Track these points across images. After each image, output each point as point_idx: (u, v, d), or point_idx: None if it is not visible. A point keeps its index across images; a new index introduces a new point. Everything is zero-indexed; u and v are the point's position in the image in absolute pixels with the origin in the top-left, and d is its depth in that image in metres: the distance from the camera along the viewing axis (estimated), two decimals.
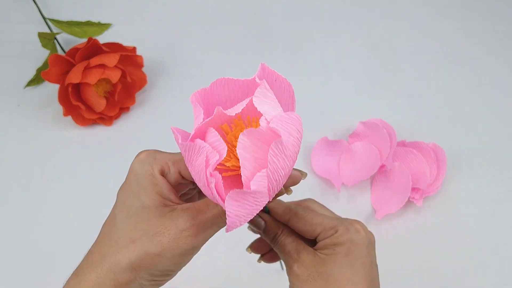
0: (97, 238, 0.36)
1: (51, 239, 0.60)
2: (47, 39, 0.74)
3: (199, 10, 0.84)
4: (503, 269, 0.58)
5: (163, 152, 0.36)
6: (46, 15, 0.80)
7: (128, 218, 0.34)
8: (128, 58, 0.69)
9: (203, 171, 0.28)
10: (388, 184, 0.62)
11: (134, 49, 0.69)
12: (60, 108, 0.68)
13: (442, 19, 0.83)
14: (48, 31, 0.78)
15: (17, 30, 0.80)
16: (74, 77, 0.64)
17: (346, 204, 0.63)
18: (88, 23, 0.80)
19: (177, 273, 0.35)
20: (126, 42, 0.69)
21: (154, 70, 0.76)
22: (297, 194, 0.64)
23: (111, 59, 0.65)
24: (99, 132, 0.70)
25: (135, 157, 0.36)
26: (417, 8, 0.85)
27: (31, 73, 0.74)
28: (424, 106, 0.72)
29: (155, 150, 0.36)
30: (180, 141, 0.29)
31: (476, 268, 0.58)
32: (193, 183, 0.36)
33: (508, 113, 0.72)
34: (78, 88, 0.67)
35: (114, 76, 0.65)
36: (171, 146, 0.70)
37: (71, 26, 0.79)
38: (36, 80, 0.73)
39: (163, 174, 0.34)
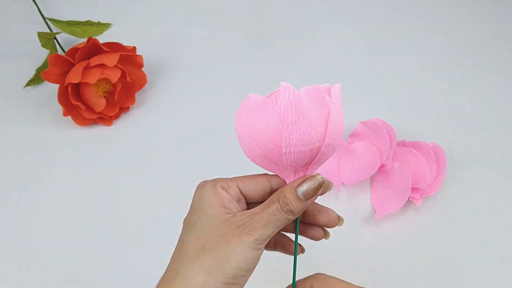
0: (168, 265, 0.37)
1: (51, 239, 0.60)
2: (47, 39, 0.74)
3: (199, 10, 0.84)
4: (503, 269, 0.58)
5: (218, 177, 0.39)
6: (46, 15, 0.80)
7: (193, 231, 0.36)
8: (128, 58, 0.69)
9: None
10: (388, 184, 0.62)
11: (134, 49, 0.69)
12: (59, 108, 0.68)
13: (442, 19, 0.83)
14: (48, 31, 0.78)
15: (16, 30, 0.80)
16: (74, 77, 0.64)
17: (346, 204, 0.63)
18: (88, 23, 0.80)
19: (248, 276, 0.36)
20: (126, 42, 0.69)
21: (154, 70, 0.76)
22: None
23: (111, 59, 0.65)
24: (99, 132, 0.70)
25: (196, 189, 0.39)
26: (417, 8, 0.85)
27: (30, 73, 0.74)
28: (424, 106, 0.72)
29: (209, 179, 0.39)
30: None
31: (476, 268, 0.58)
32: (249, 204, 0.39)
33: (508, 113, 0.72)
34: (78, 88, 0.67)
35: (114, 76, 0.65)
36: (171, 145, 0.70)
37: (71, 26, 0.79)
38: (35, 80, 0.73)
39: (223, 189, 0.37)
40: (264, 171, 0.39)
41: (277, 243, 0.42)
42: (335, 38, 0.81)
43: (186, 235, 0.36)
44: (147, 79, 0.72)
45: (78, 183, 0.65)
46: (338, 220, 0.41)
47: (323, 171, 0.65)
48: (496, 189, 0.64)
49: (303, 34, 0.81)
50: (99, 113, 0.68)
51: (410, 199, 0.61)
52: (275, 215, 0.35)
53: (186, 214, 0.38)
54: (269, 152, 0.36)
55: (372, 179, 0.64)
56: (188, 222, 0.37)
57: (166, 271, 0.37)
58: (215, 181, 0.37)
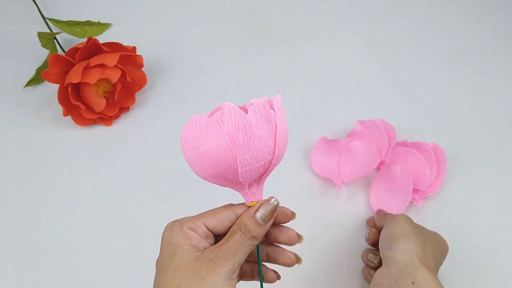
0: None
1: (51, 239, 0.60)
2: (47, 39, 0.74)
3: (199, 10, 0.84)
4: (503, 269, 0.58)
5: (184, 217, 0.40)
6: (46, 15, 0.80)
7: (167, 273, 0.37)
8: (128, 58, 0.69)
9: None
10: (389, 186, 0.62)
11: (134, 49, 0.69)
12: (59, 108, 0.68)
13: (442, 19, 0.83)
14: (48, 31, 0.78)
15: (17, 30, 0.80)
16: (74, 77, 0.64)
17: (347, 204, 0.63)
18: (88, 23, 0.80)
19: None
20: (126, 42, 0.69)
21: (154, 70, 0.76)
22: (298, 194, 0.64)
23: (111, 59, 0.65)
24: (99, 132, 0.70)
25: (163, 230, 0.40)
26: (417, 8, 0.85)
27: (30, 73, 0.74)
28: (424, 106, 0.72)
29: (176, 219, 0.40)
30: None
31: (476, 268, 0.58)
32: (218, 235, 0.41)
33: (508, 113, 0.72)
34: (78, 88, 0.67)
35: (114, 76, 0.65)
36: (171, 145, 0.70)
37: (70, 26, 0.79)
38: (35, 80, 0.73)
39: (191, 229, 0.39)
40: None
41: (254, 272, 0.44)
42: (335, 38, 0.81)
43: (160, 279, 0.37)
44: (147, 79, 0.72)
45: (78, 183, 0.65)
46: (298, 238, 0.43)
47: (324, 170, 0.65)
48: (496, 189, 0.64)
49: (303, 34, 0.81)
50: (99, 113, 0.68)
51: (411, 199, 0.61)
52: (240, 243, 0.38)
53: (166, 224, 0.40)
54: (222, 171, 0.37)
55: (372, 180, 0.64)
56: (161, 266, 0.38)
57: None
58: (181, 222, 0.39)
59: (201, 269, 0.36)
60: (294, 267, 0.44)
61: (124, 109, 0.71)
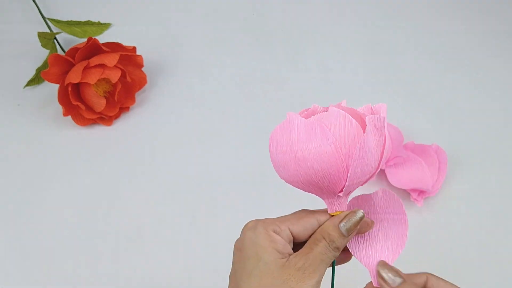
0: None
1: (51, 239, 0.60)
2: (47, 39, 0.74)
3: (199, 10, 0.84)
4: (503, 269, 0.58)
5: (267, 218, 0.38)
6: (46, 15, 0.80)
7: (250, 278, 0.36)
8: (128, 58, 0.69)
9: None
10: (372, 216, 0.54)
11: (134, 49, 0.69)
12: (59, 108, 0.68)
13: (442, 19, 0.83)
14: (48, 31, 0.78)
15: (17, 30, 0.80)
16: (74, 77, 0.64)
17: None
18: (88, 23, 0.80)
19: None
20: (126, 42, 0.69)
21: (154, 70, 0.75)
22: (301, 196, 0.64)
23: (111, 59, 0.65)
24: (99, 132, 0.70)
25: (244, 228, 0.38)
26: (417, 8, 0.85)
27: (30, 73, 0.74)
28: (424, 107, 0.72)
29: (258, 219, 0.38)
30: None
31: (476, 268, 0.58)
32: (301, 244, 0.39)
33: (509, 113, 0.72)
34: (78, 88, 0.67)
35: (114, 76, 0.65)
36: (171, 145, 0.70)
37: (71, 26, 0.79)
38: (35, 80, 0.73)
39: (276, 233, 0.37)
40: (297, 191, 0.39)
41: None
42: (336, 38, 0.81)
43: (243, 283, 0.36)
44: (147, 79, 0.72)
45: (78, 183, 0.65)
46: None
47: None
48: (496, 189, 0.64)
49: (303, 34, 0.81)
50: (99, 113, 0.68)
51: (411, 199, 0.61)
52: (325, 253, 0.36)
53: (247, 222, 0.38)
54: (319, 180, 0.35)
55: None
56: (243, 268, 0.36)
57: None
58: (266, 224, 0.37)
59: (290, 279, 0.35)
60: None
61: (124, 109, 0.71)
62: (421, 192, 0.61)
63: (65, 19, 0.80)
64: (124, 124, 0.71)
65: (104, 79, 0.66)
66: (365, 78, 0.76)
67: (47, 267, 0.58)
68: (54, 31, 0.79)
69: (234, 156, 0.67)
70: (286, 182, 0.37)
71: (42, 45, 0.73)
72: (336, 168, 0.34)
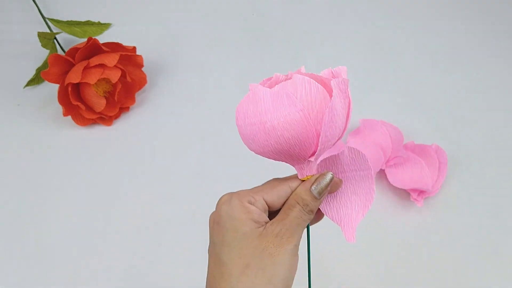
0: (207, 282, 0.38)
1: (51, 239, 0.60)
2: (47, 39, 0.74)
3: (199, 10, 0.84)
4: (503, 269, 0.58)
5: (241, 190, 0.39)
6: (46, 15, 0.80)
7: (231, 250, 0.36)
8: (128, 58, 0.69)
9: None
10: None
11: (134, 49, 0.69)
12: (60, 108, 0.68)
13: (442, 19, 0.83)
14: (48, 31, 0.78)
15: (17, 30, 0.80)
16: (74, 77, 0.64)
17: None
18: (88, 23, 0.80)
19: (291, 286, 0.37)
20: (126, 42, 0.69)
21: (154, 70, 0.75)
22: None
23: (111, 59, 0.65)
24: (99, 132, 0.70)
25: (218, 202, 0.39)
26: (417, 8, 0.85)
27: (31, 73, 0.74)
28: (424, 107, 0.72)
29: (232, 191, 0.39)
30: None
31: (476, 268, 0.58)
32: (276, 211, 0.40)
33: (509, 114, 0.72)
34: (78, 88, 0.67)
35: (114, 76, 0.65)
36: (171, 145, 0.70)
37: (71, 26, 0.79)
38: (36, 80, 0.73)
39: (250, 203, 0.38)
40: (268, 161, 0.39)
41: None
42: (335, 38, 0.81)
43: (223, 254, 0.37)
44: (147, 79, 0.72)
45: (78, 183, 0.65)
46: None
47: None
48: (496, 189, 0.64)
49: (303, 34, 0.81)
50: (99, 113, 0.68)
51: (411, 199, 0.61)
52: (301, 217, 0.37)
53: (221, 196, 0.38)
54: (289, 147, 0.36)
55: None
56: (222, 241, 0.37)
57: None
58: (240, 196, 0.38)
59: (269, 246, 0.36)
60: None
61: (124, 109, 0.71)
62: (421, 192, 0.61)
63: (65, 19, 0.80)
64: (124, 124, 0.71)
65: (104, 79, 0.66)
66: (365, 78, 0.76)
67: (47, 267, 0.58)
68: (54, 31, 0.79)
69: (234, 156, 0.67)
70: (255, 153, 0.38)
71: (42, 45, 0.73)
72: (306, 135, 0.35)
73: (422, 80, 0.76)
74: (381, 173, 0.64)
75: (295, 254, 0.37)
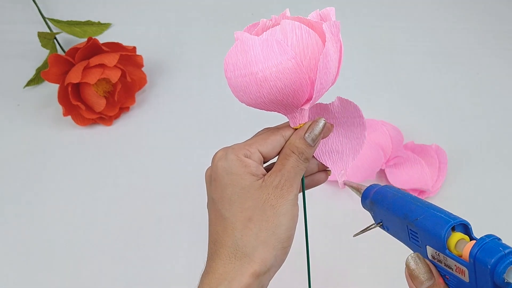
0: (210, 238, 0.38)
1: (51, 239, 0.60)
2: (47, 39, 0.74)
3: (199, 10, 0.84)
4: None
5: (234, 144, 0.39)
6: (46, 15, 0.80)
7: (232, 204, 0.37)
8: (128, 58, 0.69)
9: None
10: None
11: (134, 49, 0.69)
12: (60, 108, 0.68)
13: (442, 19, 0.83)
14: (48, 31, 0.78)
15: (17, 30, 0.80)
16: (74, 76, 0.64)
17: (347, 204, 0.63)
18: (88, 23, 0.80)
19: (294, 235, 0.37)
20: (126, 42, 0.69)
21: (154, 70, 0.75)
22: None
23: (111, 59, 0.65)
24: (99, 132, 0.70)
25: (214, 158, 0.39)
26: (417, 8, 0.85)
27: (30, 73, 0.74)
28: (424, 107, 0.72)
29: (226, 147, 0.39)
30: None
31: None
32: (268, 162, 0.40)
33: (509, 113, 0.72)
34: (78, 88, 0.67)
35: (114, 76, 0.65)
36: (171, 145, 0.70)
37: (71, 26, 0.79)
38: (35, 80, 0.73)
39: (246, 157, 0.38)
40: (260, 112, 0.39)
41: None
42: None
43: (226, 211, 0.37)
44: (147, 79, 0.72)
45: (78, 183, 0.65)
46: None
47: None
48: (496, 189, 0.64)
49: None
50: (99, 113, 0.68)
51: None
52: (298, 166, 0.37)
53: (216, 152, 0.39)
54: (283, 97, 0.34)
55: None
56: (222, 197, 0.37)
57: (216, 245, 0.37)
58: (235, 150, 0.37)
59: (269, 197, 0.36)
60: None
61: (124, 109, 0.71)
62: (421, 192, 0.61)
63: (65, 19, 0.80)
64: (124, 124, 0.71)
65: (104, 79, 0.66)
66: (365, 78, 0.76)
67: (47, 267, 0.58)
68: (54, 31, 0.79)
69: None
70: (247, 105, 0.37)
71: (42, 45, 0.73)
72: (299, 83, 0.34)
73: (422, 80, 0.76)
74: (381, 173, 0.64)
75: (295, 204, 0.37)
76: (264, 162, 0.39)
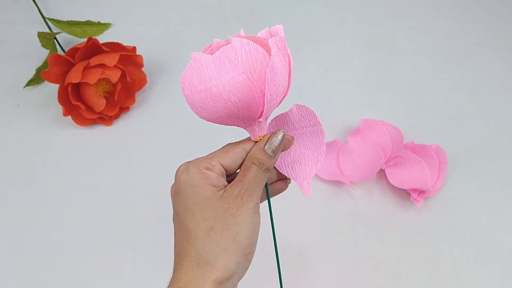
0: (175, 250, 0.39)
1: (51, 239, 0.60)
2: (47, 39, 0.74)
3: (199, 10, 0.84)
4: (503, 269, 0.58)
5: (196, 158, 0.40)
6: (46, 15, 0.80)
7: (194, 215, 0.37)
8: (128, 58, 0.69)
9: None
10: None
11: (134, 49, 0.69)
12: (60, 108, 0.68)
13: (442, 19, 0.83)
14: (48, 31, 0.78)
15: (17, 30, 0.80)
16: (74, 76, 0.64)
17: (347, 204, 0.63)
18: (88, 23, 0.80)
19: (256, 243, 0.38)
20: (126, 42, 0.69)
21: (154, 70, 0.76)
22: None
23: (111, 59, 0.65)
24: (99, 132, 0.70)
25: (176, 172, 0.40)
26: (417, 8, 0.85)
27: (31, 73, 0.74)
28: (424, 107, 0.72)
29: (188, 161, 0.40)
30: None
31: (476, 268, 0.58)
32: (230, 174, 0.41)
33: (508, 113, 0.72)
34: (78, 88, 0.67)
35: (114, 76, 0.65)
36: (171, 145, 0.70)
37: (71, 26, 0.79)
38: (36, 80, 0.73)
39: (208, 169, 0.39)
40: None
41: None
42: (335, 37, 0.81)
43: (188, 221, 0.38)
44: (147, 79, 0.72)
45: (78, 183, 0.65)
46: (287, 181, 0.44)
47: (328, 174, 0.64)
48: (496, 189, 0.64)
49: (303, 34, 0.81)
50: (99, 113, 0.68)
51: (411, 199, 0.61)
52: (258, 176, 0.38)
53: (178, 167, 0.40)
54: (238, 111, 0.36)
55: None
56: (184, 208, 0.38)
57: (180, 256, 0.38)
58: (196, 163, 0.39)
59: (230, 207, 0.37)
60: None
61: (124, 109, 0.71)
62: (421, 192, 0.61)
63: (65, 19, 0.80)
64: (124, 124, 0.71)
65: (104, 79, 0.67)
66: (365, 78, 0.76)
67: (47, 267, 0.58)
68: (54, 31, 0.79)
69: None
70: (206, 120, 0.38)
71: (42, 45, 0.73)
72: (252, 95, 0.35)
73: (422, 80, 0.76)
74: (381, 173, 0.65)
75: (256, 212, 0.38)
76: (228, 175, 0.40)
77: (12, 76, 0.75)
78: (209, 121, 0.38)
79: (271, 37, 0.37)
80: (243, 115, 0.37)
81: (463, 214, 0.62)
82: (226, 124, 0.39)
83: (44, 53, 0.75)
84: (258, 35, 0.38)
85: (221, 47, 0.37)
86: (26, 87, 0.74)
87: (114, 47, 0.68)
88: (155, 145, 0.69)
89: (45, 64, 0.74)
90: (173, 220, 0.41)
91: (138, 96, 0.73)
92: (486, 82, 0.75)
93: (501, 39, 0.80)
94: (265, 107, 0.36)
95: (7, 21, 0.82)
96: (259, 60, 0.35)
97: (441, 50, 0.79)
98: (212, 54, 0.36)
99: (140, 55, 0.70)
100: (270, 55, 0.35)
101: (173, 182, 0.63)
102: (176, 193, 0.39)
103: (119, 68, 0.66)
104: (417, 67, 0.77)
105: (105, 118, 0.69)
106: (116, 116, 0.70)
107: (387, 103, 0.73)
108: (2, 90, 0.74)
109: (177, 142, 0.69)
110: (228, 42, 0.38)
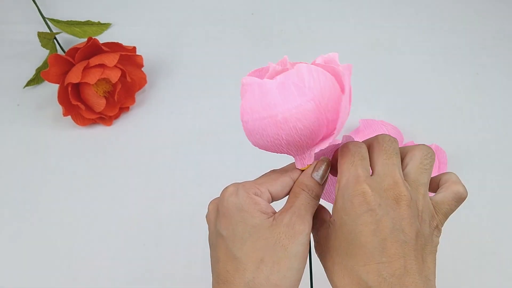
0: (219, 276, 0.37)
1: (51, 239, 0.60)
2: (47, 39, 0.74)
3: (199, 10, 0.84)
4: (503, 269, 0.58)
5: (245, 181, 0.39)
6: (45, 15, 0.80)
7: (244, 243, 0.36)
8: (128, 58, 0.69)
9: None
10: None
11: (134, 49, 0.69)
12: (59, 108, 0.68)
13: (442, 19, 0.83)
14: (47, 31, 0.78)
15: (17, 30, 0.80)
16: (74, 77, 0.64)
17: None
18: (88, 23, 0.80)
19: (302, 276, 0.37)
20: (126, 42, 0.69)
21: (154, 70, 0.76)
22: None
23: (111, 59, 0.65)
24: (99, 132, 0.70)
25: (224, 193, 0.38)
26: (418, 7, 0.85)
27: (30, 73, 0.74)
28: (424, 107, 0.72)
29: (236, 182, 0.39)
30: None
31: (476, 268, 0.58)
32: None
33: (509, 113, 0.72)
34: (77, 88, 0.67)
35: (114, 76, 0.65)
36: (171, 145, 0.70)
37: (70, 26, 0.79)
38: (35, 80, 0.73)
39: (257, 195, 0.37)
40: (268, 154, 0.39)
41: None
42: (335, 37, 0.81)
43: (237, 250, 0.36)
44: (147, 79, 0.72)
45: (78, 183, 0.65)
46: None
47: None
48: (496, 189, 0.64)
49: (302, 34, 0.81)
50: (99, 113, 0.68)
51: None
52: (308, 203, 0.37)
53: (226, 187, 0.38)
54: (300, 138, 0.35)
55: None
56: (233, 234, 0.37)
57: (225, 284, 0.36)
58: (246, 187, 0.37)
59: (281, 237, 0.35)
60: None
61: (124, 109, 0.71)
62: None
63: (65, 19, 0.80)
64: (124, 124, 0.71)
65: (104, 79, 0.66)
66: (365, 78, 0.76)
67: (47, 267, 0.58)
68: (54, 31, 0.79)
69: (234, 156, 0.67)
70: (260, 148, 0.37)
71: (42, 45, 0.73)
72: (318, 123, 0.35)
73: (422, 80, 0.76)
74: None
75: (307, 245, 0.36)
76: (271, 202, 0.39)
77: (12, 76, 0.75)
78: (262, 149, 0.37)
79: (327, 64, 0.37)
80: (303, 143, 0.36)
81: (463, 214, 0.62)
82: (279, 152, 0.37)
83: (44, 53, 0.75)
84: (316, 62, 0.37)
85: (277, 72, 0.36)
86: (26, 87, 0.73)
87: (114, 47, 0.68)
88: (155, 145, 0.69)
89: (45, 64, 0.74)
90: (211, 240, 0.39)
91: (138, 96, 0.73)
92: (486, 82, 0.75)
93: (501, 39, 0.80)
94: (335, 133, 0.36)
95: (7, 21, 0.82)
96: (327, 87, 0.35)
97: (441, 50, 0.79)
98: (271, 79, 0.35)
99: (140, 55, 0.70)
100: (337, 82, 0.35)
101: (172, 182, 0.63)
102: (222, 214, 0.38)
103: (119, 68, 0.66)
104: (417, 67, 0.77)
105: (105, 118, 0.69)
106: (116, 116, 0.70)
107: (387, 103, 0.73)
108: (2, 90, 0.74)
109: (177, 142, 0.69)
110: (285, 68, 0.37)
